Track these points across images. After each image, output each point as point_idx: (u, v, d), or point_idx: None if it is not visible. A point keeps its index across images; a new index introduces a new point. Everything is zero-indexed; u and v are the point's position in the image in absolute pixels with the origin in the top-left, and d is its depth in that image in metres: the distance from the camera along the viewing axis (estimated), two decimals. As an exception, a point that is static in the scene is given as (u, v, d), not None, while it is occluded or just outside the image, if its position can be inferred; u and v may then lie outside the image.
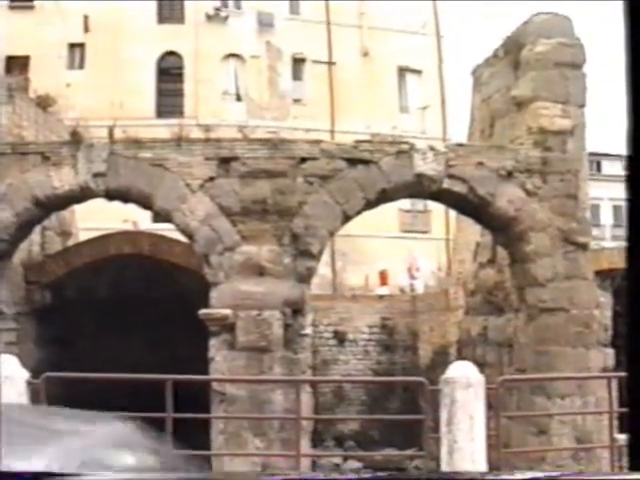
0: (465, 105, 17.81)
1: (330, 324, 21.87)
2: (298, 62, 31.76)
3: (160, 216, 14.26)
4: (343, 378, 21.99)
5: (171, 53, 30.71)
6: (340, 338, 21.94)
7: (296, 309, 12.99)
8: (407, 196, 14.96)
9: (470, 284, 16.58)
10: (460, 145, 14.41)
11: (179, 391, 7.66)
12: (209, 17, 30.78)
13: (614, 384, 8.63)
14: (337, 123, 30.59)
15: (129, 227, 21.76)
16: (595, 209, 38.07)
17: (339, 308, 22.27)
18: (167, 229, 15.32)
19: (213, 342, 12.79)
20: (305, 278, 13.22)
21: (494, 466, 7.82)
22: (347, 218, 13.52)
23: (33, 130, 15.88)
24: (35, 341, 15.28)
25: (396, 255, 27.53)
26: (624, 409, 7.40)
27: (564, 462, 11.92)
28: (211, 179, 13.11)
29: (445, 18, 34.12)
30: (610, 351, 13.98)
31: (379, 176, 13.32)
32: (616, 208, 41.88)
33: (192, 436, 6.74)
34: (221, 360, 12.68)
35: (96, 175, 13.11)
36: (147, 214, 17.63)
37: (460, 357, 14.76)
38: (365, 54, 32.11)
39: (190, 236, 13.32)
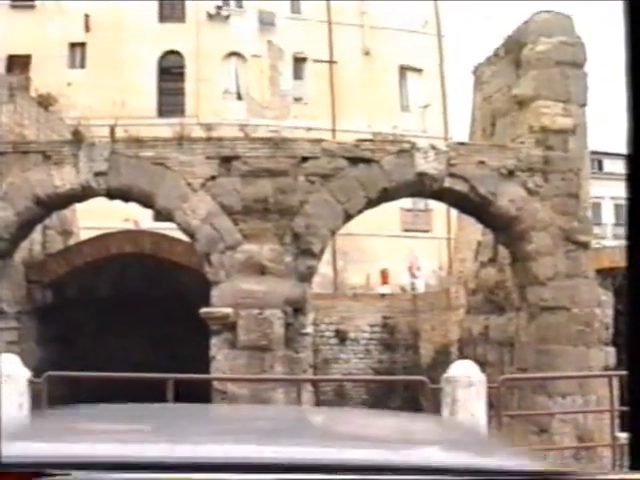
0: (466, 104, 17.85)
1: (331, 323, 21.88)
2: (299, 61, 31.74)
3: (161, 215, 14.27)
4: (344, 377, 22.01)
5: (172, 52, 30.69)
6: (341, 337, 21.96)
7: (297, 308, 12.99)
8: (408, 195, 14.95)
9: (471, 283, 16.58)
10: (461, 144, 14.39)
11: (180, 390, 7.64)
12: (210, 16, 30.76)
13: (615, 383, 8.60)
14: (338, 122, 30.56)
15: (130, 226, 21.74)
16: (596, 208, 38.01)
17: (340, 307, 22.29)
18: (168, 228, 15.33)
19: (214, 341, 12.79)
20: (306, 277, 13.22)
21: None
22: (348, 217, 13.51)
23: (34, 129, 15.88)
24: (36, 340, 15.28)
25: (397, 254, 27.54)
26: (625, 408, 7.39)
27: (565, 461, 11.91)
28: (212, 178, 13.11)
29: (446, 17, 34.17)
30: (611, 350, 13.95)
31: (380, 175, 13.31)
32: (617, 207, 41.82)
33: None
34: (222, 359, 12.68)
35: (97, 174, 13.12)
36: (148, 213, 17.66)
37: (461, 356, 14.75)
38: (366, 53, 32.09)
39: (191, 235, 13.32)
